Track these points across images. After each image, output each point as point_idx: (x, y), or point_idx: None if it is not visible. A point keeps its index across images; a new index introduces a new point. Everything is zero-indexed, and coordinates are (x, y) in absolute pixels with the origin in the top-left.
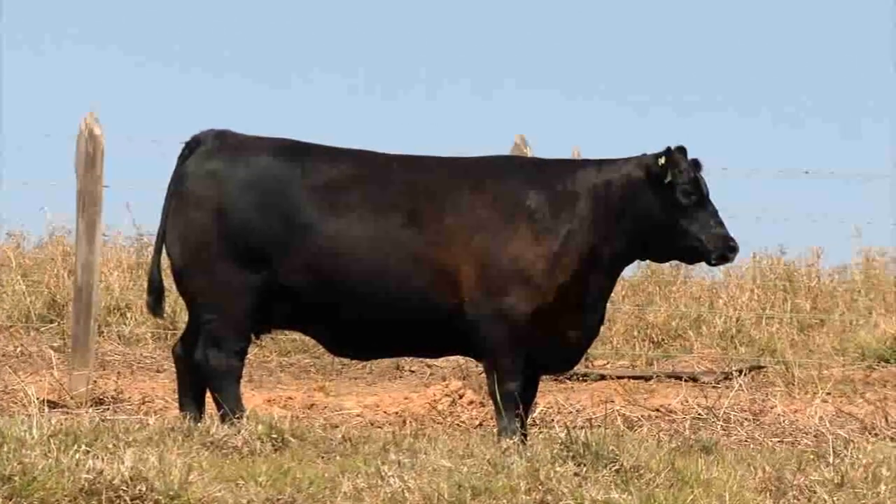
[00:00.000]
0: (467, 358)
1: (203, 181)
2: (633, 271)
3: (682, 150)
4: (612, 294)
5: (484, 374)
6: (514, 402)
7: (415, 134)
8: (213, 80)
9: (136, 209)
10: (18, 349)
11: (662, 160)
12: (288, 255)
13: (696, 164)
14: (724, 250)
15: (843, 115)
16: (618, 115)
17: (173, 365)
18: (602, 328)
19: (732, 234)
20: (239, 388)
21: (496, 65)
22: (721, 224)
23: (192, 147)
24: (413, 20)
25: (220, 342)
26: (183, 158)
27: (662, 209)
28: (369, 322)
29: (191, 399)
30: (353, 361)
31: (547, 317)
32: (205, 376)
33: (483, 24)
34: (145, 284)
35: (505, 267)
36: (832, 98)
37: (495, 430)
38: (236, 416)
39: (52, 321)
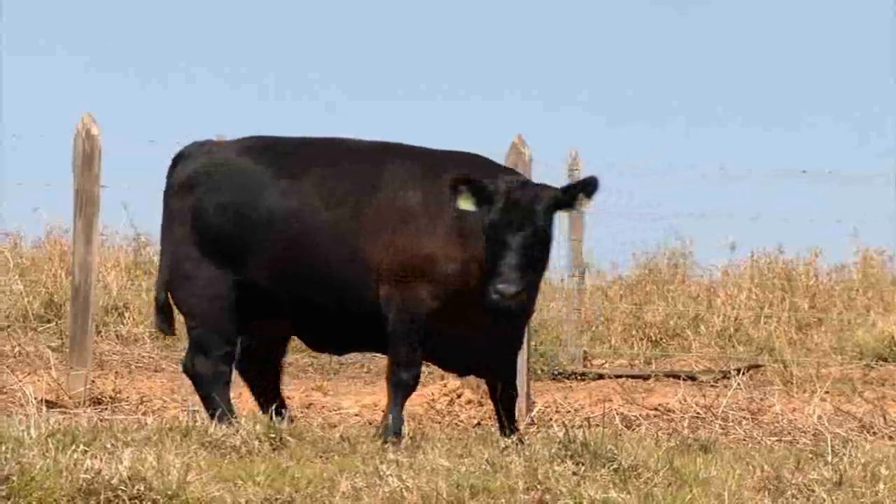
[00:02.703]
0: None
1: (179, 192)
2: (631, 270)
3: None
4: (610, 293)
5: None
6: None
7: (415, 133)
8: (212, 83)
9: (132, 209)
10: (16, 349)
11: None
12: (252, 251)
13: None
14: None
15: (841, 115)
16: (615, 116)
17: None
18: (600, 327)
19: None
20: (228, 392)
21: (497, 65)
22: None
23: (176, 161)
24: (413, 22)
25: (206, 348)
26: (169, 173)
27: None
28: (326, 315)
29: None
30: (351, 361)
31: (453, 316)
32: (193, 383)
33: (484, 25)
34: (143, 284)
35: (418, 263)
36: (830, 98)
37: (491, 430)
38: (229, 420)
39: (49, 321)
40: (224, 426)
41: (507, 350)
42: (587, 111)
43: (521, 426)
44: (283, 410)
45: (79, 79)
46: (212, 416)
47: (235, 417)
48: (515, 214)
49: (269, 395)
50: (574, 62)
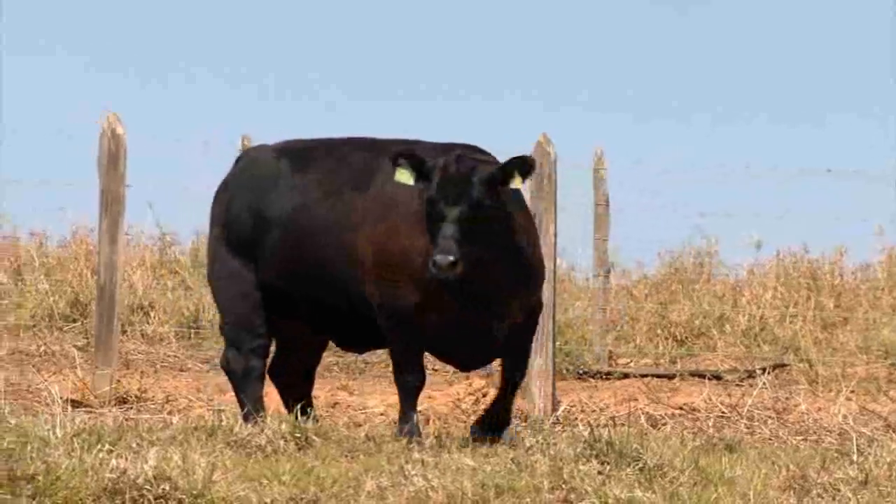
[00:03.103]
0: None
1: (219, 193)
2: (657, 269)
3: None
4: (636, 292)
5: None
6: (411, 394)
7: (439, 134)
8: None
9: (158, 209)
10: (42, 348)
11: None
12: (268, 251)
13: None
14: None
15: (867, 113)
16: (641, 114)
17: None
18: (626, 327)
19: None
20: (260, 387)
21: (520, 64)
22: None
23: (236, 163)
24: (434, 22)
25: (238, 344)
26: None
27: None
28: (339, 315)
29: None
30: (376, 360)
31: (437, 307)
32: (228, 378)
33: (507, 23)
34: (168, 283)
35: (393, 257)
36: (856, 95)
37: (516, 429)
38: (258, 416)
39: (75, 320)
40: (250, 424)
41: (512, 341)
42: (613, 109)
43: (546, 425)
44: (309, 409)
45: (78, 78)
46: (243, 413)
47: (262, 414)
48: (450, 188)
49: (295, 395)
50: (600, 60)
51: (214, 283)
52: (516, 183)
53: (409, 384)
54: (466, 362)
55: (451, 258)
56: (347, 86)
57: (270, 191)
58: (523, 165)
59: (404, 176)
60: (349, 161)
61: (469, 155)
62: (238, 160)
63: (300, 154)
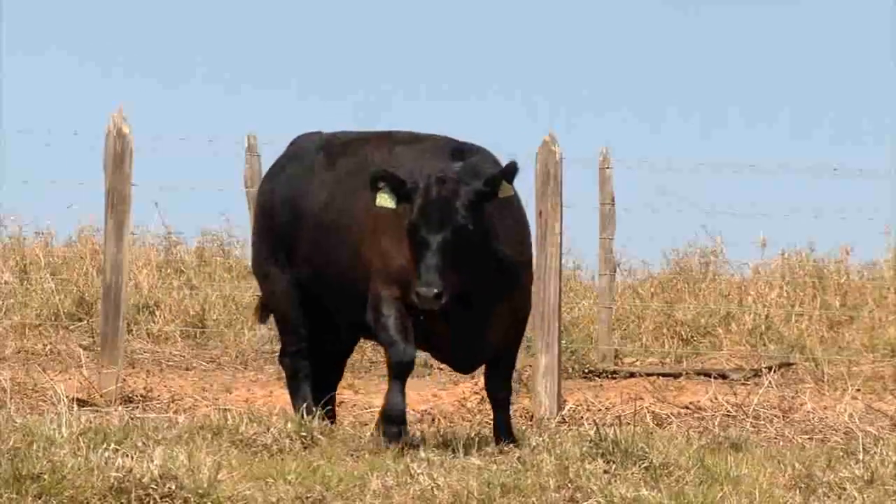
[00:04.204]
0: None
1: (261, 186)
2: (662, 268)
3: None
4: (641, 291)
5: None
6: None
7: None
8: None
9: (163, 208)
10: (48, 347)
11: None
12: (297, 248)
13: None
14: None
15: (872, 112)
16: (646, 112)
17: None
18: (632, 325)
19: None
20: (306, 387)
21: (524, 64)
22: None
23: None
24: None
25: (284, 345)
26: None
27: None
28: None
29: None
30: (382, 360)
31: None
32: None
33: (511, 23)
34: (174, 282)
35: (375, 259)
36: (861, 94)
37: (522, 428)
38: (309, 415)
39: (80, 319)
40: (310, 418)
41: (501, 349)
42: (617, 108)
43: (552, 424)
44: (330, 406)
45: (84, 79)
46: (295, 410)
47: (316, 412)
48: (433, 214)
49: (322, 385)
50: (602, 58)
51: (258, 279)
52: (505, 191)
53: (393, 364)
54: (461, 365)
55: (435, 290)
56: (352, 84)
57: (305, 184)
58: (508, 173)
59: (384, 199)
60: (366, 159)
61: (457, 167)
62: (288, 148)
63: (336, 148)
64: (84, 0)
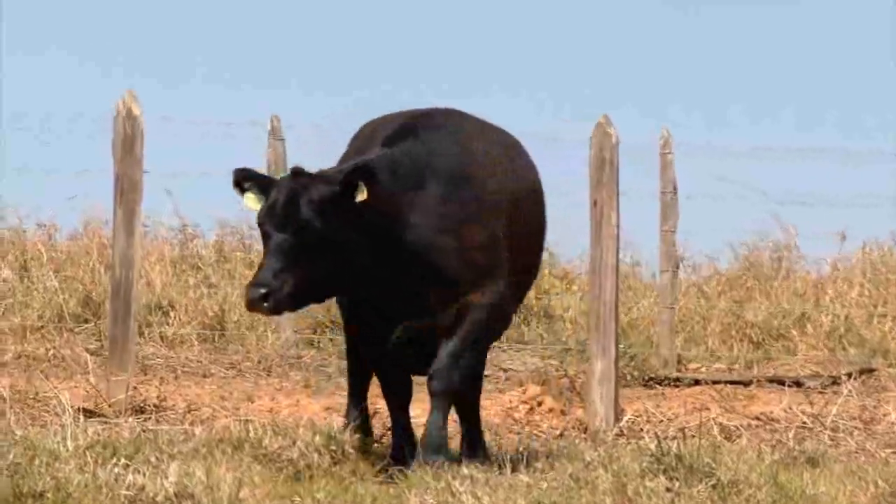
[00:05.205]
0: (545, 361)
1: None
2: (730, 264)
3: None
4: (707, 289)
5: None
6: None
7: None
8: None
9: (178, 197)
10: (51, 352)
11: None
12: None
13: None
14: None
15: (871, 113)
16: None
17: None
18: (696, 328)
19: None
20: (353, 384)
21: (528, 63)
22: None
23: None
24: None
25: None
26: None
27: None
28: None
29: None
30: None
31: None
32: None
33: (513, 25)
34: (189, 280)
35: None
36: (861, 95)
37: (575, 441)
38: (350, 416)
39: (87, 321)
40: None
41: (442, 344)
42: (617, 107)
43: (609, 437)
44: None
45: (92, 61)
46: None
47: (356, 415)
48: (272, 213)
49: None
50: (602, 58)
51: None
52: (362, 193)
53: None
54: (412, 366)
55: (262, 291)
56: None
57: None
58: (365, 173)
59: (251, 201)
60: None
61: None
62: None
63: (376, 129)
64: (84, 0)
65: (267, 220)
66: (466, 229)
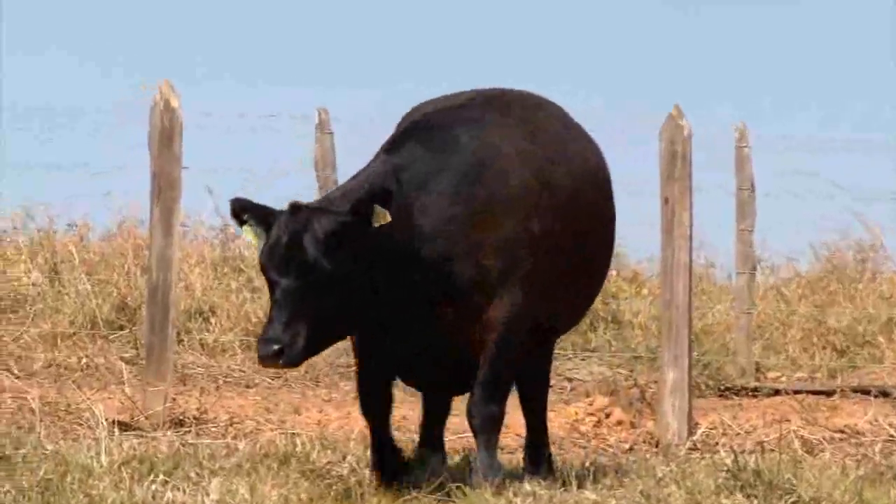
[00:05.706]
0: (614, 369)
1: None
2: (811, 266)
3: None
4: (787, 293)
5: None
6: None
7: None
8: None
9: (218, 195)
10: (83, 361)
11: None
12: None
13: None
14: None
15: (872, 111)
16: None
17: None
18: (775, 334)
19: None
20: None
21: (528, 63)
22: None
23: None
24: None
25: None
26: None
27: None
28: None
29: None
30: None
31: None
32: None
33: (513, 24)
34: (231, 284)
35: None
36: (862, 94)
37: (645, 456)
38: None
39: (122, 327)
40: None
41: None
42: (617, 107)
43: (682, 451)
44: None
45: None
46: None
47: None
48: (274, 256)
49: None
50: (602, 58)
51: None
52: (380, 219)
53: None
54: (430, 384)
55: (275, 347)
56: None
57: None
58: (381, 197)
59: (250, 234)
60: None
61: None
62: None
63: (425, 114)
64: (84, 0)
65: (270, 265)
66: (472, 231)
